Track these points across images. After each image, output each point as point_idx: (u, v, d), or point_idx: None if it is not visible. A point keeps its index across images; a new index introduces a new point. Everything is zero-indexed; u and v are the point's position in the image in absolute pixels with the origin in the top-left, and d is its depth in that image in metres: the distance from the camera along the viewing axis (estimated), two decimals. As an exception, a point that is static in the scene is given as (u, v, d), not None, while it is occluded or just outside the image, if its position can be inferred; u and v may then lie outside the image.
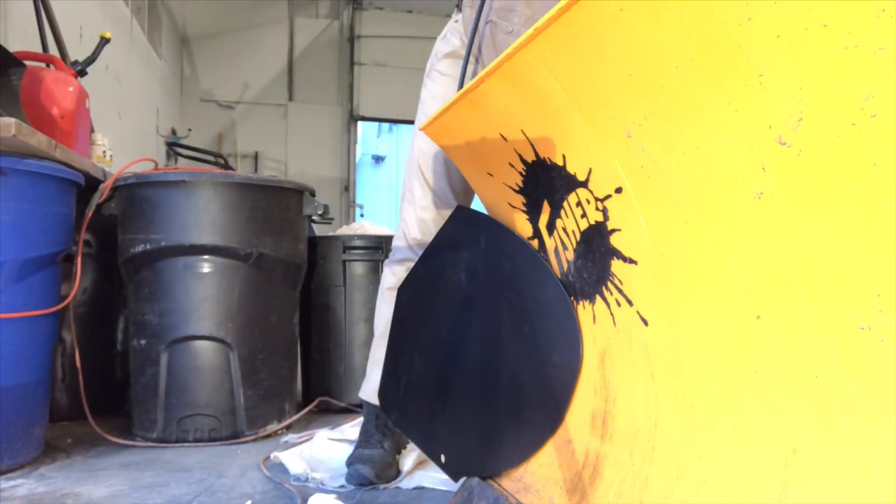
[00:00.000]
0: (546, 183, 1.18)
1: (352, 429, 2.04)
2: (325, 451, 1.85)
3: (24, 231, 1.73)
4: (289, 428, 2.27)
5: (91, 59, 2.69)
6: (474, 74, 1.79)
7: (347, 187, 7.96)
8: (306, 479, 1.67)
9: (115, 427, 2.21)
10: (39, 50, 2.63)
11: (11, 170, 1.69)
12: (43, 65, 2.44)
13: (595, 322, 1.11)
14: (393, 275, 1.75)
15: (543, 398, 1.19)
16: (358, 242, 2.62)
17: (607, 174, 1.00)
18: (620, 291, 1.04)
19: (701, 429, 0.87)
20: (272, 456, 1.85)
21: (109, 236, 2.29)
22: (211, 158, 5.88)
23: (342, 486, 1.62)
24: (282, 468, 1.78)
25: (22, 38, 2.91)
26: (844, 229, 0.66)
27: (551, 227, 1.21)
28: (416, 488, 1.62)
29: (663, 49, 0.77)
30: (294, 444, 2.01)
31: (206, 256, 2.13)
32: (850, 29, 0.59)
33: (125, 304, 2.37)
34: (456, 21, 1.73)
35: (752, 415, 0.80)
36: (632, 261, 1.00)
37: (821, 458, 0.71)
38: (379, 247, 2.60)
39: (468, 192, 1.68)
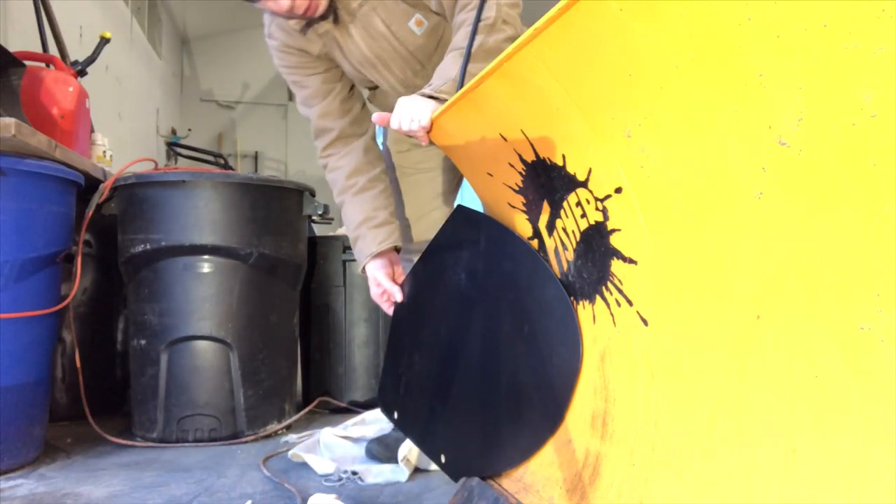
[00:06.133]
0: (546, 183, 1.18)
1: (355, 427, 2.04)
2: (342, 447, 1.86)
3: (24, 231, 1.73)
4: (289, 428, 2.27)
5: (91, 59, 2.69)
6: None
7: (347, 187, 7.95)
8: (339, 480, 1.66)
9: (115, 427, 2.21)
10: (39, 50, 2.64)
11: (11, 170, 1.69)
12: (43, 65, 2.44)
13: (595, 322, 1.11)
14: None
15: (543, 398, 1.19)
16: (358, 242, 2.62)
17: (607, 174, 1.00)
18: (620, 291, 1.04)
19: (701, 429, 0.87)
20: (290, 454, 1.85)
21: (109, 236, 2.29)
22: (211, 158, 5.89)
23: (393, 481, 1.64)
24: (283, 468, 1.78)
25: (22, 38, 2.91)
26: (844, 229, 0.66)
27: (551, 227, 1.21)
28: (416, 487, 1.62)
29: (663, 49, 0.77)
30: (294, 444, 2.01)
31: (206, 256, 2.13)
32: (850, 29, 0.59)
33: (125, 304, 2.37)
34: None
35: (752, 415, 0.80)
36: (632, 261, 1.00)
37: (821, 458, 0.71)
38: (379, 247, 2.60)
39: None
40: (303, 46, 1.65)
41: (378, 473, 1.67)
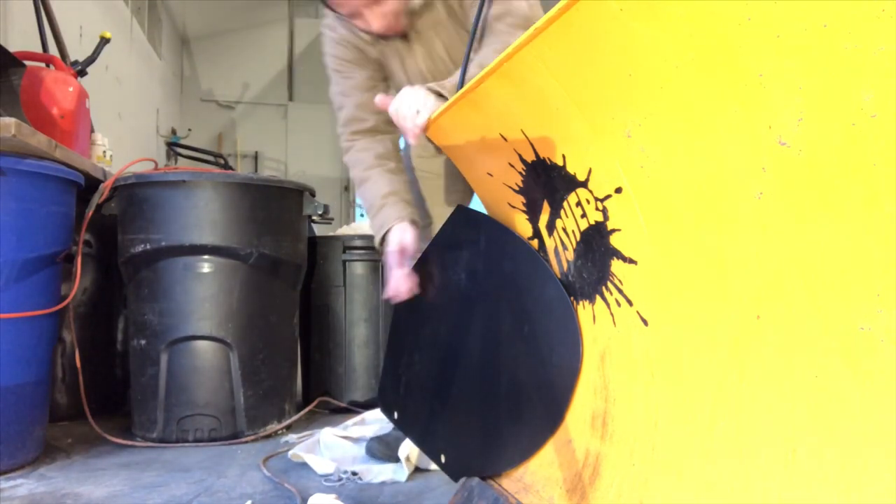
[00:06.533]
0: (546, 183, 1.18)
1: (355, 427, 2.04)
2: (342, 447, 1.86)
3: (24, 231, 1.73)
4: (289, 428, 2.27)
5: (91, 59, 2.69)
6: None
7: (347, 187, 7.96)
8: (339, 480, 1.66)
9: (115, 427, 2.21)
10: (39, 50, 2.63)
11: (11, 170, 1.69)
12: (43, 65, 2.44)
13: (595, 322, 1.11)
14: None
15: (543, 398, 1.19)
16: (358, 242, 2.62)
17: (607, 174, 1.00)
18: (620, 291, 1.04)
19: (701, 429, 0.87)
20: (290, 454, 1.85)
21: (109, 236, 2.29)
22: (211, 158, 5.88)
23: (392, 481, 1.64)
24: (283, 468, 1.78)
25: (22, 38, 2.91)
26: (844, 229, 0.66)
27: (551, 227, 1.21)
28: (416, 487, 1.62)
29: (663, 49, 0.77)
30: (294, 444, 2.01)
31: (206, 256, 2.13)
32: (850, 29, 0.59)
33: (125, 304, 2.37)
34: None
35: (752, 415, 0.80)
36: (632, 261, 1.00)
37: (821, 458, 0.71)
38: (379, 247, 2.60)
39: None
40: (361, 46, 1.70)
41: (378, 473, 1.68)
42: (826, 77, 0.63)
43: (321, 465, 1.74)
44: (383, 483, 1.64)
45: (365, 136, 1.73)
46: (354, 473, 1.68)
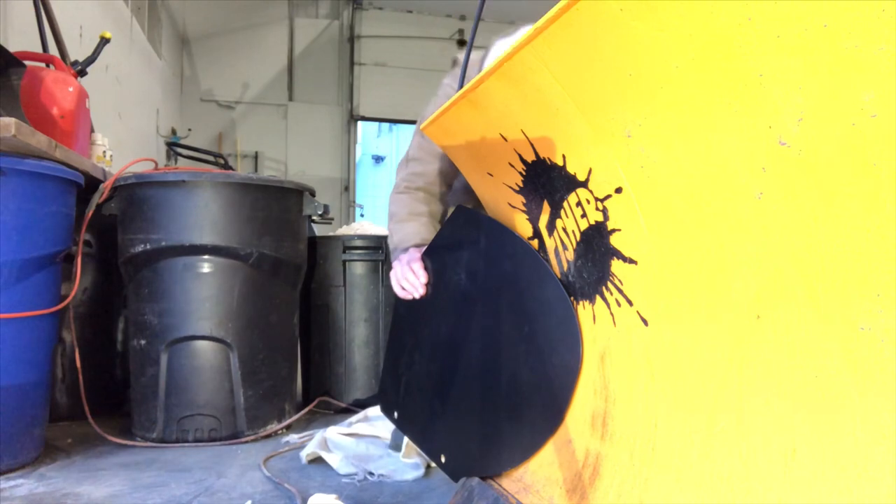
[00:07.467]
0: (546, 183, 1.18)
1: (361, 424, 2.04)
2: (355, 446, 1.86)
3: (24, 231, 1.73)
4: (289, 428, 2.27)
5: (91, 59, 2.69)
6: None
7: (347, 187, 7.97)
8: (363, 479, 1.67)
9: (115, 427, 2.21)
10: (39, 50, 2.63)
11: (11, 170, 1.69)
12: (43, 65, 2.44)
13: (595, 322, 1.11)
14: None
15: (543, 398, 1.19)
16: (358, 242, 2.62)
17: (607, 174, 1.00)
18: (620, 291, 1.04)
19: (701, 429, 0.87)
20: (304, 455, 1.84)
21: (109, 236, 2.29)
22: (211, 158, 5.88)
23: (415, 478, 1.66)
24: (283, 468, 1.78)
25: (22, 38, 2.91)
26: (844, 229, 0.66)
27: (551, 227, 1.21)
28: (416, 487, 1.62)
29: (663, 49, 0.77)
30: (295, 444, 2.01)
31: (206, 256, 2.13)
32: (850, 29, 0.59)
33: (125, 304, 2.37)
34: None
35: (752, 415, 0.80)
36: (632, 261, 1.00)
37: (821, 458, 0.71)
38: (379, 247, 2.60)
39: None
40: None
41: (402, 472, 1.68)
42: (826, 77, 0.63)
43: (343, 465, 1.73)
44: (383, 482, 1.64)
45: (428, 193, 1.82)
46: (371, 474, 1.68)
